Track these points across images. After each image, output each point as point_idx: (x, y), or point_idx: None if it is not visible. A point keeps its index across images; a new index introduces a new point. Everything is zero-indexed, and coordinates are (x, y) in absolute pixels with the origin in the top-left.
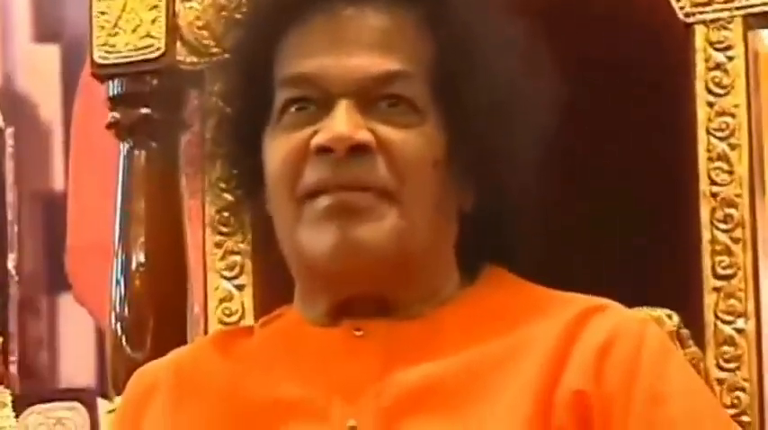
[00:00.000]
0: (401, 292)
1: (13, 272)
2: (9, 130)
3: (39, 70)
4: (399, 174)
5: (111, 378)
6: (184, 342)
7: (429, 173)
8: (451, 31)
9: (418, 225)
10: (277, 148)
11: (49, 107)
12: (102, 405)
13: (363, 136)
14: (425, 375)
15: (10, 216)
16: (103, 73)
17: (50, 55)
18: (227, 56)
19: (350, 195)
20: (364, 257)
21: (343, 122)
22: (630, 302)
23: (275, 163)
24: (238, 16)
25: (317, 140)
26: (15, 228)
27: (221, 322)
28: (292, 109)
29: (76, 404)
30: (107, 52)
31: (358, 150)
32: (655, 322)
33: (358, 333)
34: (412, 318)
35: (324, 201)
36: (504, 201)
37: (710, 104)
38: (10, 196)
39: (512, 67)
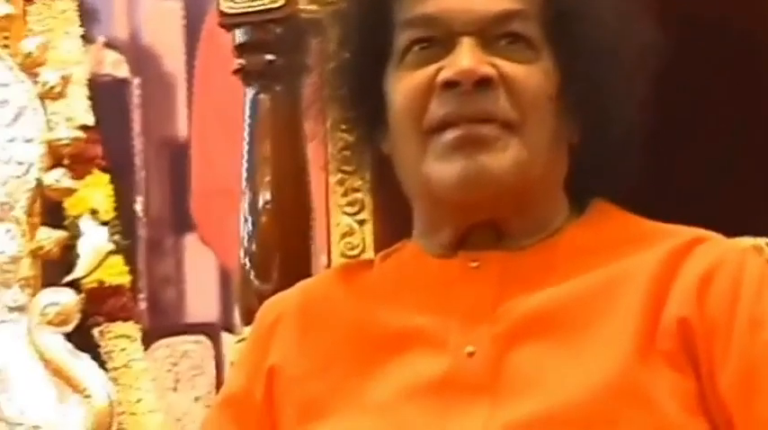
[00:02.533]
0: (516, 223)
1: (141, 214)
2: (136, 81)
3: (163, 24)
4: (520, 107)
5: (240, 309)
6: (309, 274)
7: (547, 106)
8: None
9: (537, 156)
10: (402, 86)
11: (173, 59)
12: (226, 338)
13: (488, 70)
14: (537, 304)
15: (138, 162)
16: (230, 22)
17: (173, 10)
18: (345, 4)
19: (476, 127)
20: (489, 186)
21: (468, 58)
22: (731, 232)
23: (401, 99)
24: None
25: (445, 75)
26: (143, 174)
27: (343, 255)
28: (416, 48)
29: (202, 337)
30: (234, 2)
31: (482, 84)
32: (755, 251)
33: (474, 264)
34: (524, 250)
35: (451, 134)
36: (610, 135)
37: None
38: (137, 143)
39: (619, 9)
